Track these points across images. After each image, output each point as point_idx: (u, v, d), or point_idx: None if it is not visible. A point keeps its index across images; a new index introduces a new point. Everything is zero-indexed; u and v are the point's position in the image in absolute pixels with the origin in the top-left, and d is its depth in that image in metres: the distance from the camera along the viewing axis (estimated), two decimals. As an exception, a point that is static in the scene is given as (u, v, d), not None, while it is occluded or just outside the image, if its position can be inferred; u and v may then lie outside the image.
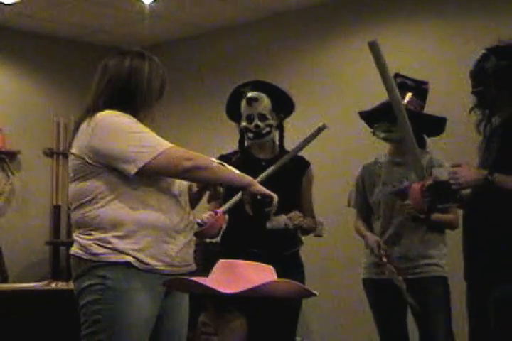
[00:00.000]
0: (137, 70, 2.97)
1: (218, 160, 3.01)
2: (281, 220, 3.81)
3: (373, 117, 4.11)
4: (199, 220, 3.45)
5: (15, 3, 6.53)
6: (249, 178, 2.95)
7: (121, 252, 2.80)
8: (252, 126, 3.95)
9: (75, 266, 2.89)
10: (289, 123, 4.10)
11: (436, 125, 4.12)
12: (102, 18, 7.07)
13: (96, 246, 2.82)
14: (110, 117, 2.87)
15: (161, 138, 2.86)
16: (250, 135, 3.98)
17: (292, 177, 4.00)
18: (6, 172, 7.29)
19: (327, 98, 6.48)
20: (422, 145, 4.01)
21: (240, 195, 3.65)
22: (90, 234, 2.84)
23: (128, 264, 2.79)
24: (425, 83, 4.12)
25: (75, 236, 2.90)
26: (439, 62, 5.85)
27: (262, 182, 3.69)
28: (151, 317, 2.84)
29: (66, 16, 7.05)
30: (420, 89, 4.08)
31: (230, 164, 3.91)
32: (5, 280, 6.58)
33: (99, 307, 2.80)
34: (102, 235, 2.82)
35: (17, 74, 7.52)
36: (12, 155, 7.32)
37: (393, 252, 3.98)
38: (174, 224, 2.87)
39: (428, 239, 4.01)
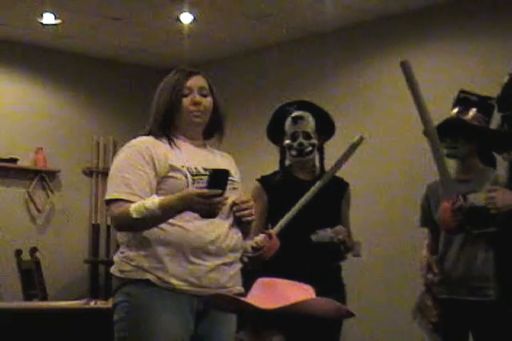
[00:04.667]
0: (156, 90, 3.04)
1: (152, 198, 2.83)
2: (326, 234, 3.80)
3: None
4: (253, 244, 3.45)
5: (55, 24, 6.62)
6: (186, 197, 2.73)
7: (144, 270, 2.82)
8: (296, 144, 3.93)
9: (112, 283, 2.94)
10: (328, 145, 4.09)
11: (504, 140, 4.01)
12: (141, 39, 7.13)
13: (123, 263, 2.87)
14: (124, 147, 2.97)
15: (120, 184, 2.85)
16: (293, 153, 3.96)
17: (333, 198, 3.98)
18: (46, 191, 7.36)
19: (364, 118, 6.46)
20: (491, 162, 3.92)
21: (289, 215, 3.65)
22: (122, 252, 2.90)
23: (149, 282, 2.80)
24: (491, 99, 4.04)
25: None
26: (473, 81, 5.83)
27: (305, 204, 3.71)
28: (177, 336, 2.82)
29: (105, 37, 7.13)
30: (485, 105, 3.99)
31: (271, 185, 3.93)
32: (44, 299, 6.61)
33: (124, 325, 2.83)
34: (129, 252, 2.86)
35: (58, 95, 7.60)
36: (52, 174, 7.40)
37: (454, 272, 3.88)
38: (203, 245, 2.83)
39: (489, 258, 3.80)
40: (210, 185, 2.64)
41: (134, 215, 2.74)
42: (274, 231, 3.62)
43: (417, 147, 5.49)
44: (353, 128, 6.32)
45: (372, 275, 6.15)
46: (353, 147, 3.79)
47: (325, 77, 6.80)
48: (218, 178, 2.63)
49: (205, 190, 2.65)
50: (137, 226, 2.80)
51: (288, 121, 3.96)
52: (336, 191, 4.01)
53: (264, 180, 4.00)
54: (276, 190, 3.95)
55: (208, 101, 2.98)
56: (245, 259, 3.25)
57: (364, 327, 5.95)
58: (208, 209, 2.68)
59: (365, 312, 5.59)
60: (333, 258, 3.94)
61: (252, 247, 3.42)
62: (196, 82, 2.99)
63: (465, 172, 3.96)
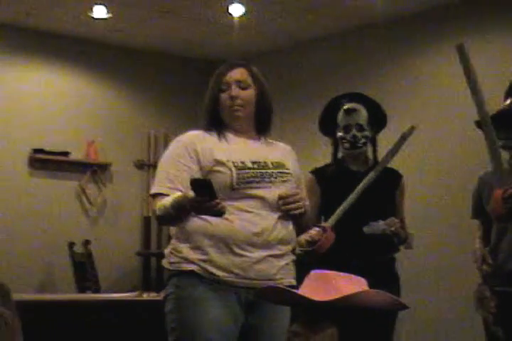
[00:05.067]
0: None
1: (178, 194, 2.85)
2: (379, 226, 3.78)
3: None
4: (308, 238, 3.43)
5: (106, 18, 6.66)
6: (185, 202, 2.75)
7: (190, 261, 2.85)
8: (349, 136, 3.92)
9: (164, 276, 2.99)
10: (380, 136, 4.06)
11: None
12: (192, 32, 7.14)
13: (172, 255, 2.92)
14: (172, 142, 3.05)
15: (163, 179, 2.92)
16: (346, 145, 3.94)
17: (387, 190, 3.96)
18: (98, 184, 7.42)
19: (416, 108, 6.40)
20: None
21: (342, 208, 3.63)
22: (172, 244, 2.95)
23: (196, 274, 2.84)
24: None
25: None
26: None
27: (358, 196, 3.68)
28: (226, 327, 2.84)
29: (156, 30, 7.15)
30: None
31: (325, 177, 3.91)
32: (97, 291, 6.68)
33: (174, 316, 2.87)
34: (178, 245, 2.90)
35: (109, 88, 7.65)
36: (104, 167, 7.45)
37: (507, 264, 3.81)
38: (247, 237, 2.85)
39: None
40: (196, 192, 2.64)
41: (157, 212, 2.85)
42: (328, 224, 3.59)
43: (470, 138, 5.42)
44: (405, 119, 6.28)
45: (426, 266, 6.09)
46: (404, 137, 3.76)
47: (376, 68, 6.74)
48: (199, 186, 2.62)
49: (194, 198, 2.67)
50: (162, 222, 2.97)
51: (340, 114, 3.95)
52: (390, 182, 3.99)
53: (317, 172, 3.99)
54: (330, 182, 3.94)
55: (247, 93, 2.99)
56: (299, 251, 3.25)
57: (417, 320, 5.90)
58: (207, 212, 2.69)
59: (419, 304, 5.55)
60: (387, 250, 3.91)
61: (307, 241, 3.40)
62: (234, 75, 3.01)
63: None
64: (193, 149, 2.92)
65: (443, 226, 6.01)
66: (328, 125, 4.03)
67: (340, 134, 3.95)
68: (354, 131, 3.91)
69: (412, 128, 3.75)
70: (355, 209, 3.68)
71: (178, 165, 2.91)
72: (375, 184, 3.76)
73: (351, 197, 3.67)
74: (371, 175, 3.75)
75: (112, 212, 7.51)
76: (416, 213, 5.08)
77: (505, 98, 3.86)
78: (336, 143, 4.02)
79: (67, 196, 7.27)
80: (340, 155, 4.05)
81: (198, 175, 2.87)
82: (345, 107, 3.93)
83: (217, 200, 2.63)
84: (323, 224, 3.61)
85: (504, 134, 3.87)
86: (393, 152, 3.79)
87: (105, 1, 6.38)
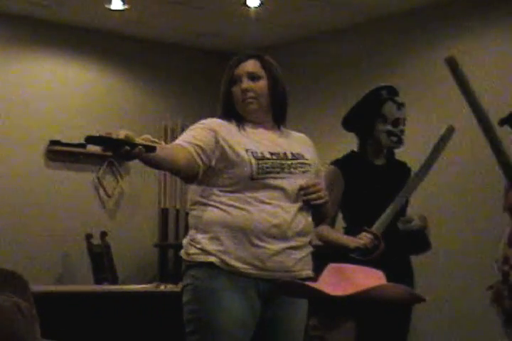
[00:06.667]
0: None
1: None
2: (415, 221, 3.76)
3: None
4: (360, 246, 3.42)
5: (122, 10, 6.66)
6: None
7: (208, 253, 2.84)
8: (397, 131, 3.86)
9: (182, 267, 2.98)
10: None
11: None
12: (208, 23, 7.12)
13: (190, 246, 2.90)
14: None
15: (184, 135, 2.91)
16: (394, 139, 3.86)
17: (402, 185, 3.92)
18: (115, 176, 7.43)
19: (434, 102, 6.35)
20: None
21: (387, 214, 3.61)
22: (190, 235, 2.93)
23: (213, 265, 2.83)
24: None
25: None
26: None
27: (402, 202, 3.67)
28: (244, 319, 2.84)
29: (172, 21, 7.14)
30: None
31: (349, 170, 3.86)
32: (114, 282, 6.69)
33: (191, 308, 2.87)
34: (196, 236, 2.89)
35: (126, 80, 7.66)
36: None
37: None
38: (266, 228, 2.83)
39: None
40: (104, 147, 2.49)
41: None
42: (376, 230, 3.56)
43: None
44: (424, 113, 6.25)
45: (448, 262, 6.05)
46: (444, 139, 3.72)
47: (393, 61, 6.70)
48: (96, 142, 2.45)
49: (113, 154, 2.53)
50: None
51: (390, 106, 3.88)
52: (404, 176, 3.96)
53: (342, 165, 3.91)
54: (354, 175, 3.87)
55: (259, 85, 2.98)
56: (354, 255, 3.26)
57: (435, 315, 5.87)
58: (134, 156, 2.54)
59: (439, 298, 5.53)
60: (421, 246, 3.89)
61: (357, 248, 3.39)
62: (245, 67, 3.00)
63: None
64: (213, 130, 2.92)
65: (467, 221, 5.96)
66: (360, 116, 3.97)
67: (388, 128, 3.87)
68: (402, 126, 3.88)
69: (451, 130, 3.70)
70: (383, 204, 3.65)
71: (197, 131, 2.92)
72: (395, 180, 3.74)
73: (394, 204, 3.64)
74: (413, 181, 3.72)
75: (129, 203, 7.52)
76: (440, 209, 5.04)
77: None
78: (367, 134, 3.94)
79: (84, 188, 7.29)
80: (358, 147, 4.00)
81: (212, 146, 2.86)
82: (399, 101, 3.89)
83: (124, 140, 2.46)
84: (373, 230, 3.58)
85: None
86: (433, 156, 3.75)
87: (122, -7, 6.40)
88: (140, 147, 2.48)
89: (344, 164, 3.90)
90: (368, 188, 3.69)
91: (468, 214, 5.91)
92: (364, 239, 3.48)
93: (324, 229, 3.65)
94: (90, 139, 2.43)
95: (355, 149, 3.98)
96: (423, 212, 4.03)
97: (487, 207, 5.45)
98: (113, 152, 2.48)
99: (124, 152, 2.46)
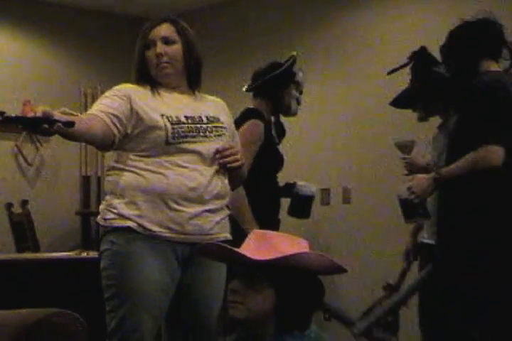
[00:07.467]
0: None
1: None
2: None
3: None
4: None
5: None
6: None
7: (125, 217, 2.84)
8: (300, 98, 4.29)
9: (99, 232, 2.98)
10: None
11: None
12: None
13: (107, 211, 2.89)
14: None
15: (100, 105, 2.88)
16: (297, 106, 4.26)
17: None
18: (34, 144, 7.33)
19: (353, 63, 6.38)
20: None
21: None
22: (106, 200, 2.92)
23: (130, 229, 2.82)
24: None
25: None
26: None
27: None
28: (163, 283, 2.84)
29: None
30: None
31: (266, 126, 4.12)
32: (37, 251, 6.64)
33: (109, 273, 2.86)
34: (113, 201, 2.88)
35: (45, 47, 7.54)
36: (40, 127, 7.35)
37: None
38: (183, 192, 2.84)
39: None
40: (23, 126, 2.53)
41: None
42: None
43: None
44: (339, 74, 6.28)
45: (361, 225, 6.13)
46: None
47: (314, 23, 6.70)
48: (10, 122, 2.49)
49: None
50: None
51: (302, 75, 4.22)
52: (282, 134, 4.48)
53: (263, 120, 4.13)
54: (269, 131, 4.18)
55: (173, 49, 2.97)
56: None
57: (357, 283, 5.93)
58: (53, 132, 2.52)
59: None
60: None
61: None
62: (158, 32, 2.99)
63: None
64: (126, 95, 2.91)
65: (383, 181, 6.06)
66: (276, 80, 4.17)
67: (297, 95, 4.22)
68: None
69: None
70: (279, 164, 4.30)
71: (109, 98, 2.91)
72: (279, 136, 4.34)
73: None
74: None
75: (50, 171, 7.45)
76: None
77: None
78: (281, 97, 4.19)
79: (3, 156, 7.19)
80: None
81: (127, 111, 2.86)
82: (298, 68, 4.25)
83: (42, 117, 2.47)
84: None
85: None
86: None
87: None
88: (59, 124, 2.47)
89: (264, 119, 4.08)
90: (273, 144, 4.08)
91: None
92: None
93: (242, 204, 3.88)
94: (7, 119, 2.43)
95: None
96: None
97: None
98: (32, 130, 2.49)
99: (43, 129, 2.46)
